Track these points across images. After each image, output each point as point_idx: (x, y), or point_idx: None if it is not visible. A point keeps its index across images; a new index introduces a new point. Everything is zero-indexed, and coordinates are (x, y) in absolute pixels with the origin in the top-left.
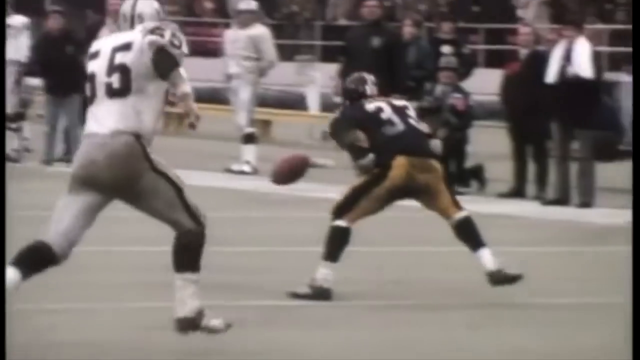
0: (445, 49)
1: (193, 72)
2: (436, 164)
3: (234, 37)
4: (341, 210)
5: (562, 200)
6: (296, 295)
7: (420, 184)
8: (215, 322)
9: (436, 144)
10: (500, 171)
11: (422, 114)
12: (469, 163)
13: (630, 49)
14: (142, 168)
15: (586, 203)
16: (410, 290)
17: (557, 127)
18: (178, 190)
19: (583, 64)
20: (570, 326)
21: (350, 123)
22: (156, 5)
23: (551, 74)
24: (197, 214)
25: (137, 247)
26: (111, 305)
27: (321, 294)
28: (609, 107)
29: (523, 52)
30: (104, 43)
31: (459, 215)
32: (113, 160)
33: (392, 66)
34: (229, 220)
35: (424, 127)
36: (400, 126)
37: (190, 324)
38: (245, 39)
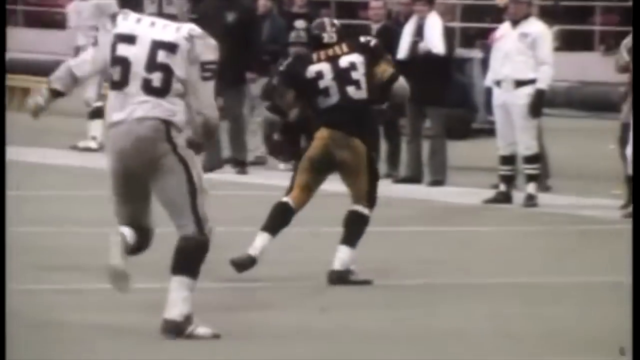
0: (299, 23)
1: (36, 45)
2: (358, 144)
3: (78, 8)
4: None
5: (413, 178)
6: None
7: (338, 160)
8: (202, 330)
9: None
10: None
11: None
12: None
13: (482, 25)
14: (165, 148)
15: (438, 181)
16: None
17: (408, 105)
18: (192, 188)
19: (434, 40)
20: (421, 307)
21: (286, 85)
22: None
23: (402, 50)
24: (204, 223)
25: None
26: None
27: (250, 262)
28: (461, 84)
29: (374, 27)
30: (141, 29)
31: (355, 207)
32: (140, 144)
33: (247, 42)
34: (76, 200)
35: (363, 93)
36: (334, 98)
37: (175, 328)
38: (91, 8)
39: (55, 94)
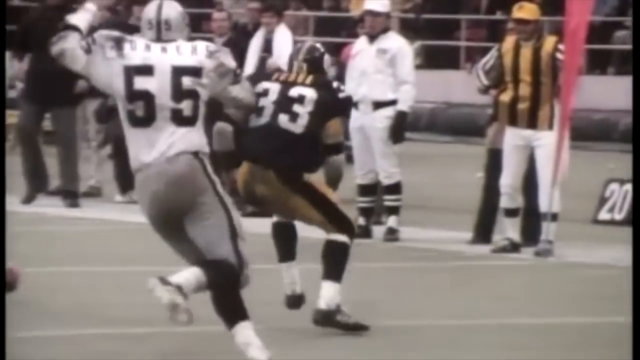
0: None
1: None
2: (273, 177)
3: None
4: None
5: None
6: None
7: (258, 195)
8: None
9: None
10: None
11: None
12: None
13: (338, 39)
14: (204, 184)
15: None
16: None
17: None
18: (233, 230)
19: (284, 56)
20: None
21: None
22: (180, 8)
23: (249, 66)
24: (245, 264)
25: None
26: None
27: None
28: None
29: (218, 40)
30: (154, 57)
31: (330, 237)
32: (177, 182)
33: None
34: None
35: (297, 127)
36: (264, 119)
37: None
38: None
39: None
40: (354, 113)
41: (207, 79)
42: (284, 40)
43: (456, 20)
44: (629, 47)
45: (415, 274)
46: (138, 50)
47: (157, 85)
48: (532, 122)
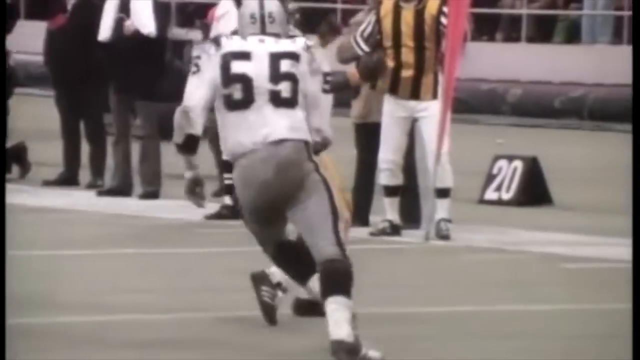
0: None
1: None
2: None
3: None
4: None
5: (121, 189)
6: None
7: None
8: (373, 353)
9: None
10: (48, 152)
11: None
12: (9, 141)
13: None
14: (309, 167)
15: (150, 193)
16: None
17: (114, 98)
18: (334, 208)
19: (143, 18)
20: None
21: None
22: (279, 2)
23: (104, 30)
24: (343, 244)
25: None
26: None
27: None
28: (177, 72)
29: (71, 0)
30: (252, 45)
31: None
32: (285, 168)
33: None
34: None
35: None
36: None
37: (350, 348)
38: None
39: (192, 143)
40: None
41: (302, 69)
42: (142, 1)
43: None
44: (518, 11)
45: None
46: (235, 40)
47: (255, 68)
48: (415, 92)
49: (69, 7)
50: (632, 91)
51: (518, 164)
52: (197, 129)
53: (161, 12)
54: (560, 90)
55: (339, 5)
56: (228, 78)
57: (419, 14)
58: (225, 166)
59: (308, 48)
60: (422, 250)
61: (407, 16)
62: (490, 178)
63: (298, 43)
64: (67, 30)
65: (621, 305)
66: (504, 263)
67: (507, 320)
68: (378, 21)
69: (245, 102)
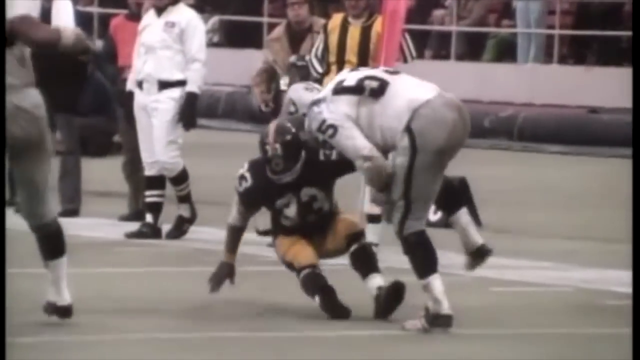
0: None
1: None
2: None
3: None
4: None
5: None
6: None
7: None
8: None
9: None
10: None
11: None
12: None
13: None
14: None
15: (70, 211)
16: None
17: None
18: None
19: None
20: None
21: None
22: None
23: None
24: None
25: None
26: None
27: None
28: (99, 85)
29: None
30: None
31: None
32: (464, 110)
33: None
34: None
35: None
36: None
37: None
38: None
39: None
40: (137, 94)
41: None
42: (64, 10)
43: None
44: (448, 28)
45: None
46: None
47: None
48: None
49: None
50: (632, 115)
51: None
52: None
53: (83, 23)
54: (489, 110)
55: (265, 19)
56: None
57: (366, 31)
58: (148, 183)
59: None
60: (351, 274)
61: (354, 32)
62: None
63: None
64: None
65: (546, 330)
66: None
67: (433, 343)
68: (326, 37)
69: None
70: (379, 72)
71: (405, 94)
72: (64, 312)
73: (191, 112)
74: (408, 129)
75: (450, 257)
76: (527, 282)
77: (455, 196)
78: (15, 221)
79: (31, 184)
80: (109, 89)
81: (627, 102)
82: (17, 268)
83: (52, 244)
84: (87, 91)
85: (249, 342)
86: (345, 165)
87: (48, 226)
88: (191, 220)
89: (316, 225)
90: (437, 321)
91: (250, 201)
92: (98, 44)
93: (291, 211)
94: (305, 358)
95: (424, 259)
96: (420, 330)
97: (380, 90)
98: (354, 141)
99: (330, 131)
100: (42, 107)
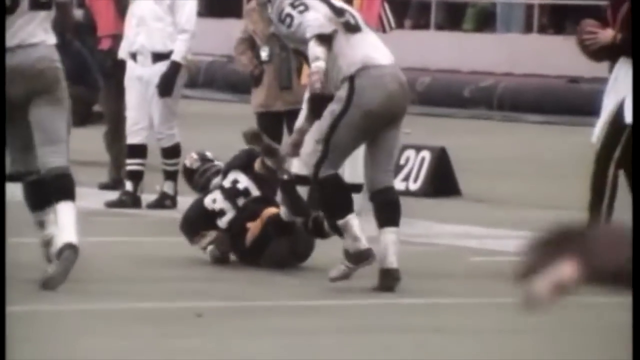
0: None
1: None
2: None
3: None
4: None
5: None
6: None
7: None
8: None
9: None
10: None
11: None
12: None
13: None
14: None
15: None
16: None
17: None
18: None
19: None
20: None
21: None
22: None
23: None
24: None
25: None
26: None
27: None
28: (78, 54)
29: None
30: None
31: None
32: (406, 87)
33: None
34: None
35: None
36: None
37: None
38: None
39: None
40: (131, 65)
41: None
42: None
43: None
44: None
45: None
46: None
47: None
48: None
49: None
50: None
51: (426, 154)
52: None
53: None
54: (469, 79)
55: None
56: (336, 10)
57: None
58: (129, 152)
59: None
60: (326, 242)
61: None
62: (397, 168)
63: None
64: None
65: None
66: (410, 255)
67: (414, 313)
68: None
69: (358, 28)
70: (359, 17)
71: (366, 48)
72: (75, 249)
73: (170, 81)
74: (350, 80)
75: (430, 227)
76: (507, 251)
77: (395, 213)
78: (13, 191)
79: (44, 131)
80: (89, 59)
81: (606, 72)
82: (14, 237)
83: (63, 185)
84: (64, 61)
85: (230, 311)
86: None
87: (61, 169)
88: (173, 199)
89: None
90: (360, 257)
91: None
92: (78, 14)
93: None
94: (289, 326)
95: (340, 200)
96: (347, 272)
97: (353, 28)
98: (317, 28)
99: (301, 7)
100: (45, 60)
